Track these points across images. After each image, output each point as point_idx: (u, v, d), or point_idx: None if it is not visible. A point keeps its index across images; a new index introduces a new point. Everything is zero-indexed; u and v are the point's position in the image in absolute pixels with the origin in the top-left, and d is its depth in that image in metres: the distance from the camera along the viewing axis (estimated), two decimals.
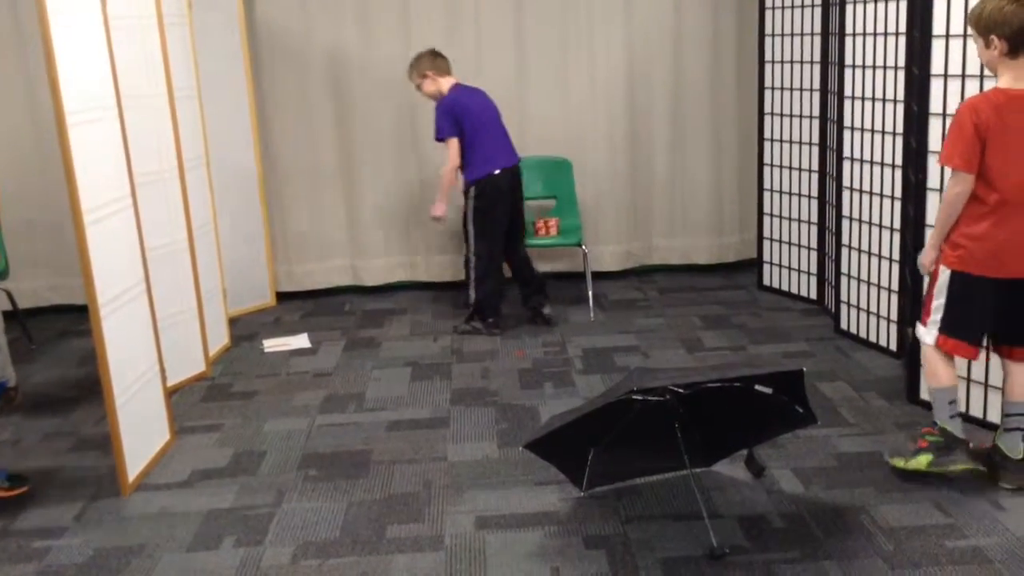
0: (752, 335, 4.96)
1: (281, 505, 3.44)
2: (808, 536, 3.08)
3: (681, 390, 3.12)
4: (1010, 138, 3.02)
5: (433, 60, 5.02)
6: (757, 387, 3.19)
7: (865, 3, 4.39)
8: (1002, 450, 3.27)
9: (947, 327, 3.23)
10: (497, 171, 4.94)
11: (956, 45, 3.63)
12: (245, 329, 5.43)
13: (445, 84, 5.01)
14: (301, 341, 5.16)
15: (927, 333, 3.29)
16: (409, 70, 5.08)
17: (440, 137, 4.97)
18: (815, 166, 5.24)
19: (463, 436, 3.94)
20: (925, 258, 3.29)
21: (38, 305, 5.78)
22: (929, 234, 3.31)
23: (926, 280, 3.37)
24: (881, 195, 4.44)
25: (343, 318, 5.60)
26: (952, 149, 3.07)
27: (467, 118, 4.92)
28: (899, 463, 3.37)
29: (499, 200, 4.97)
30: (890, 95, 4.31)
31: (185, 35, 4.84)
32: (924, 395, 3.96)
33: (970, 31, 3.15)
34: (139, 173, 3.96)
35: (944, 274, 3.21)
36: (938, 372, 3.28)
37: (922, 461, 3.29)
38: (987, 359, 3.67)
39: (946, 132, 3.26)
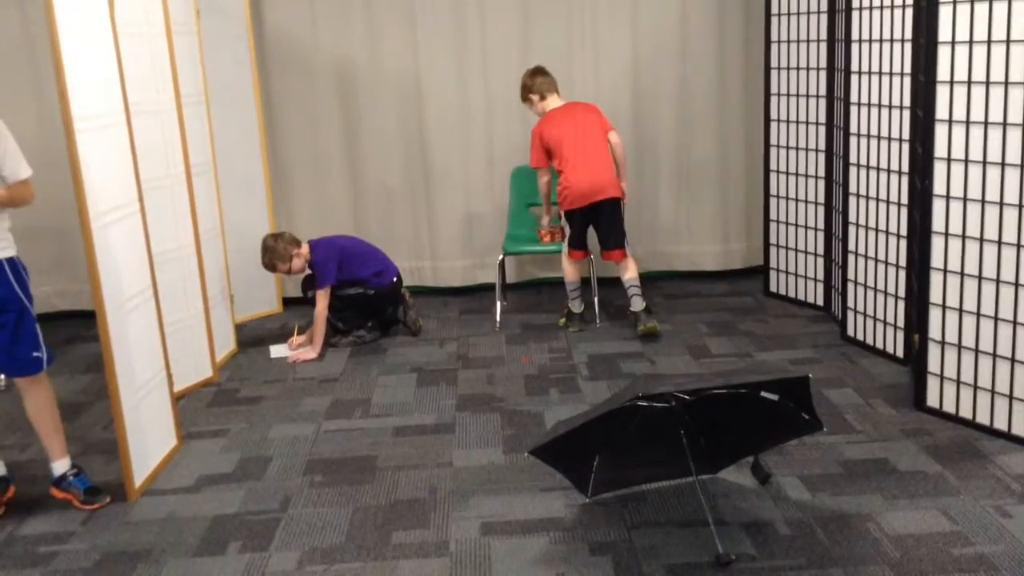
0: (758, 342, 4.95)
1: (287, 510, 3.45)
2: (814, 543, 3.07)
3: (686, 396, 3.12)
4: (565, 135, 5.00)
5: (289, 237, 5.15)
6: (763, 394, 3.19)
7: (871, 10, 4.39)
8: (633, 310, 5.10)
9: (570, 244, 5.17)
10: (395, 279, 5.31)
11: (962, 52, 3.63)
12: (252, 335, 5.44)
13: (305, 249, 5.17)
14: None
15: (566, 253, 5.23)
16: (271, 260, 5.13)
17: (324, 286, 5.07)
18: (821, 172, 5.24)
19: (469, 442, 3.94)
20: (544, 221, 5.45)
21: (46, 311, 5.79)
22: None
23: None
24: (887, 201, 4.44)
25: None
26: (532, 156, 5.17)
27: (344, 254, 5.18)
28: (559, 322, 5.35)
29: (390, 299, 5.35)
30: (896, 101, 4.31)
31: (193, 42, 4.87)
32: (931, 402, 3.95)
33: (525, 104, 5.26)
34: (147, 179, 3.98)
35: (563, 213, 5.16)
36: (568, 273, 5.24)
37: (561, 322, 5.33)
38: (992, 365, 3.68)
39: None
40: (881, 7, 4.32)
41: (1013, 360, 3.62)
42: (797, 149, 5.36)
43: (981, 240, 3.67)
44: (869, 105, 4.48)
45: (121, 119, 3.68)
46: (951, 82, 3.68)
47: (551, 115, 5.10)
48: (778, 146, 5.48)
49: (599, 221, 5.09)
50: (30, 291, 3.50)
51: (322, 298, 5.06)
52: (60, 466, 3.60)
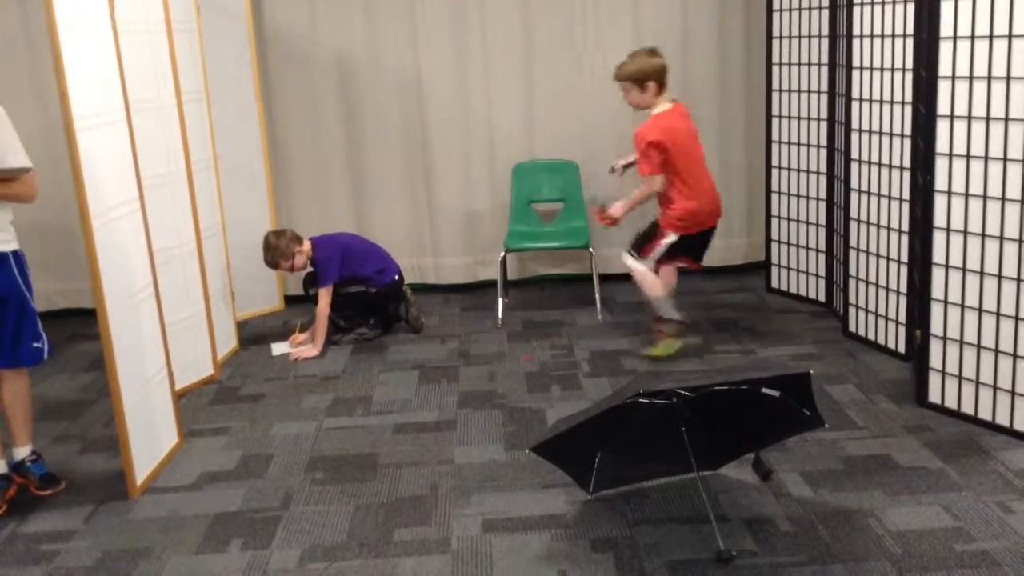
0: (760, 338, 4.95)
1: (288, 508, 3.45)
2: (816, 540, 3.07)
3: (688, 393, 3.11)
4: (686, 150, 4.42)
5: (291, 235, 5.12)
6: (764, 390, 3.18)
7: (873, 5, 4.38)
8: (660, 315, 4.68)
9: (661, 260, 4.60)
10: (396, 277, 5.31)
11: (964, 47, 3.62)
12: (253, 332, 5.44)
13: (307, 246, 5.16)
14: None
15: (646, 262, 4.59)
16: (273, 257, 5.09)
17: (326, 283, 5.06)
18: (823, 168, 5.23)
19: (470, 439, 3.94)
20: (616, 212, 4.56)
21: (47, 309, 5.80)
22: (624, 203, 4.58)
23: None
24: (889, 197, 4.43)
25: None
26: (649, 162, 4.39)
27: (346, 252, 5.16)
28: (653, 352, 4.69)
29: (392, 296, 5.33)
30: (898, 97, 4.30)
31: (193, 39, 4.86)
32: (933, 398, 3.95)
33: (623, 84, 4.42)
34: (147, 176, 3.98)
35: (671, 237, 4.52)
36: (657, 288, 4.62)
37: (673, 345, 4.68)
38: (995, 361, 3.67)
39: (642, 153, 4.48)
40: (883, 2, 4.31)
41: (1015, 356, 3.61)
42: (799, 145, 5.36)
43: (983, 236, 3.66)
44: (871, 101, 4.47)
45: (121, 116, 3.68)
46: (953, 77, 3.67)
47: (668, 122, 4.40)
48: (779, 142, 5.47)
49: (704, 238, 4.67)
50: (31, 283, 3.57)
51: (324, 296, 5.06)
52: (21, 452, 3.68)
